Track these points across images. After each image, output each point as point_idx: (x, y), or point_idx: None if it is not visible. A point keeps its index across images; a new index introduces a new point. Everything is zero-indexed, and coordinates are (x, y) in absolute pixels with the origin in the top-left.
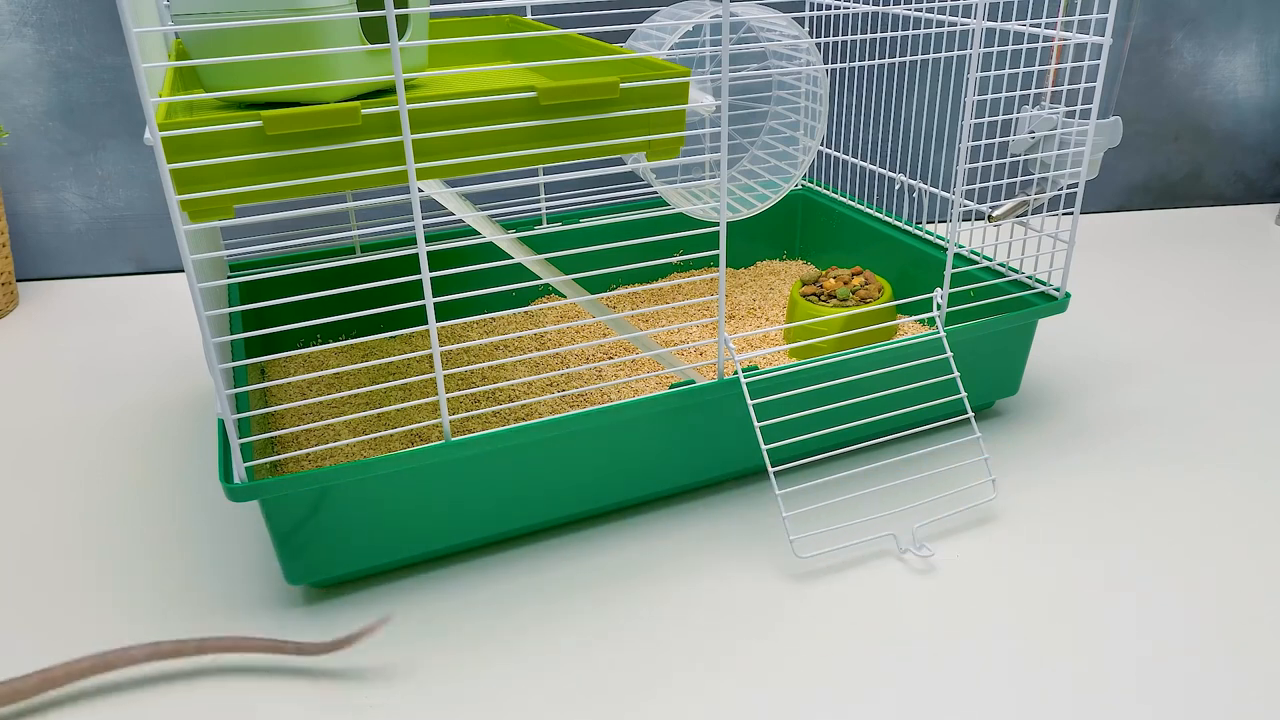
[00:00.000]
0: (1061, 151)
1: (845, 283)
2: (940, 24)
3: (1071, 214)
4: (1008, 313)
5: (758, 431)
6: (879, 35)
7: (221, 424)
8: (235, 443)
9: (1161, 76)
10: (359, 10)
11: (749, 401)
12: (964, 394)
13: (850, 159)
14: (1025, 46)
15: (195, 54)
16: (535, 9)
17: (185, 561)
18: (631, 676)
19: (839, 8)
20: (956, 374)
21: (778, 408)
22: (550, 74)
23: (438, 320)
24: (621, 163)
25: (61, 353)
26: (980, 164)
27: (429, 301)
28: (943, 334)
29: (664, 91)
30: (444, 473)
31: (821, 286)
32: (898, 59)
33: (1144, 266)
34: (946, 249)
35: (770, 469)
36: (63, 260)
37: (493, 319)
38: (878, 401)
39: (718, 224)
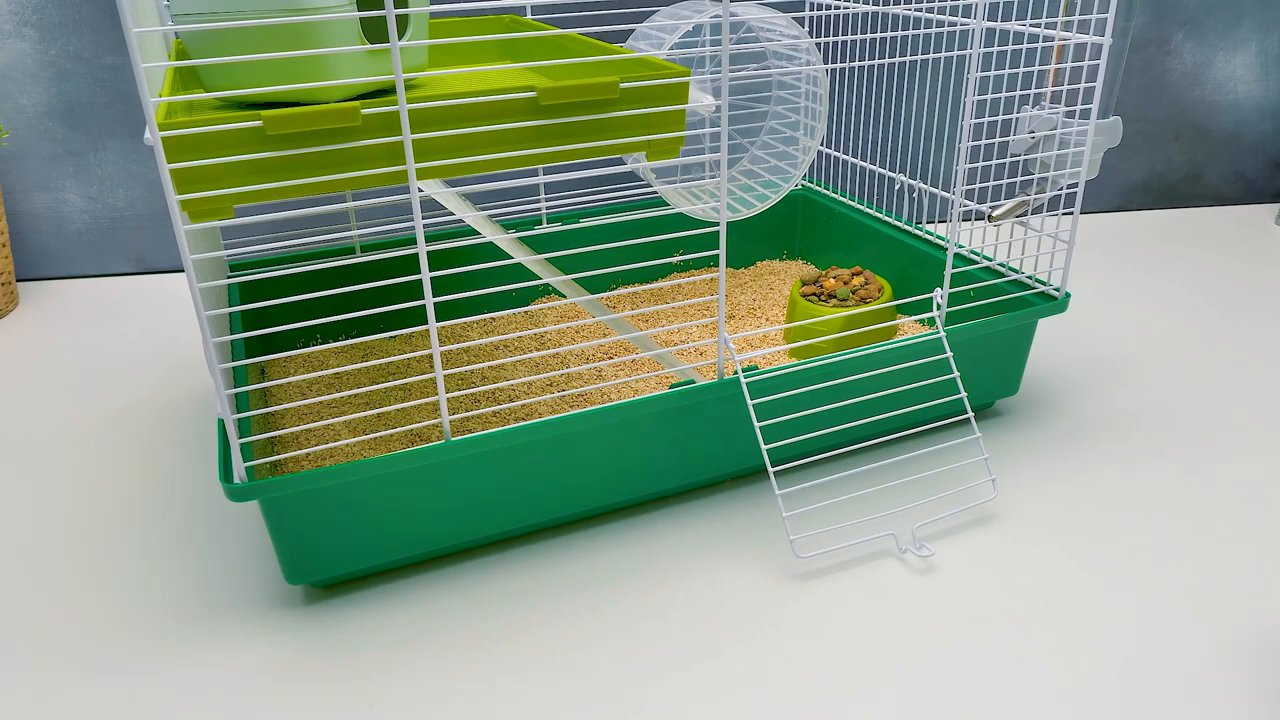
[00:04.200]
0: (1061, 151)
1: (845, 283)
2: (940, 24)
3: (1071, 214)
4: (1008, 313)
5: (758, 431)
6: (879, 35)
7: (221, 424)
8: (235, 443)
9: (1161, 76)
10: (359, 10)
11: (749, 401)
12: (964, 394)
13: (850, 159)
14: (1025, 46)
15: (195, 54)
16: (535, 9)
17: (185, 561)
18: (632, 675)
19: (839, 8)
20: (956, 374)
21: (778, 408)
22: (550, 74)
23: (438, 320)
24: (621, 163)
25: (61, 353)
26: (980, 164)
27: (429, 301)
28: (943, 334)
29: (664, 91)
30: (444, 473)
31: (821, 286)
32: (898, 59)
33: (1144, 266)
34: (946, 249)
35: (770, 469)
36: (63, 260)
37: (493, 319)
38: (878, 401)
39: (718, 224)
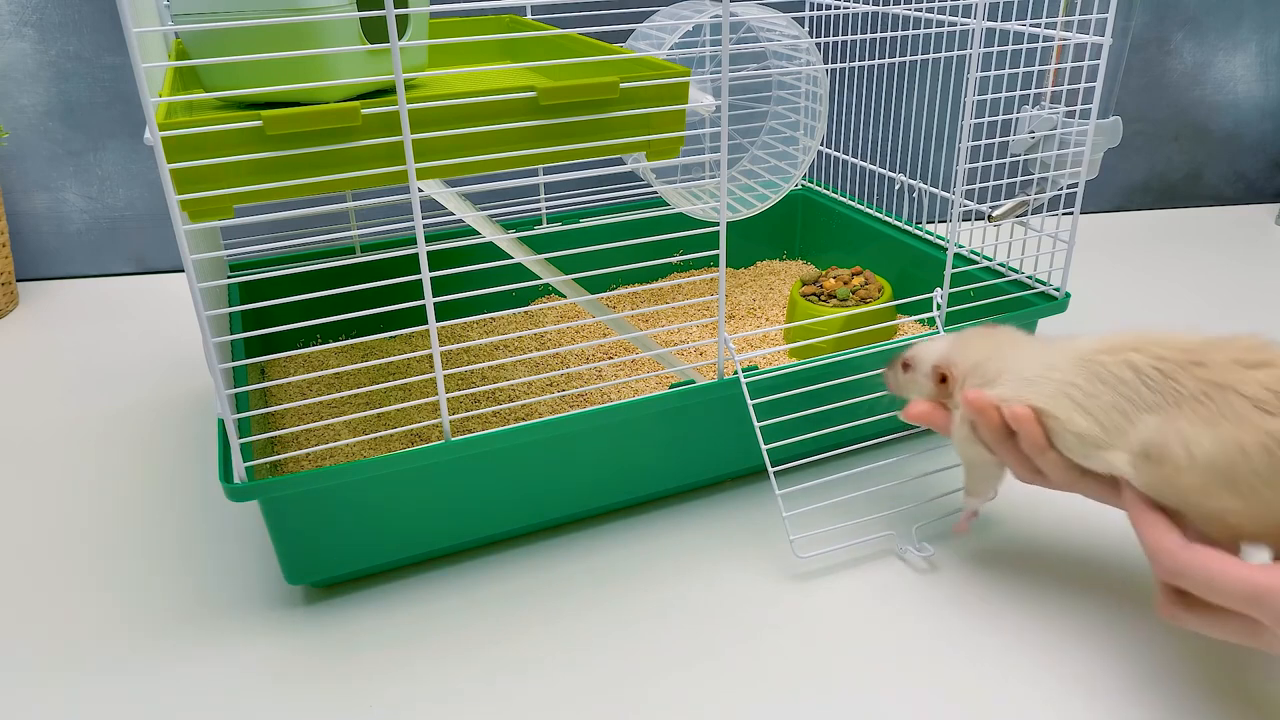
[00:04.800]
0: (1061, 151)
1: (845, 283)
2: (940, 24)
3: (1071, 214)
4: (1008, 313)
5: (757, 431)
6: (879, 35)
7: (221, 424)
8: (235, 443)
9: (1161, 76)
10: (359, 10)
11: (749, 401)
12: None
13: (850, 159)
14: (1025, 46)
15: (195, 54)
16: (535, 9)
17: (185, 561)
18: (631, 675)
19: (839, 8)
20: None
21: (778, 408)
22: (550, 74)
23: (438, 320)
24: (621, 163)
25: (61, 353)
26: (980, 164)
27: (429, 301)
28: (943, 334)
29: (664, 91)
30: (444, 473)
31: (821, 286)
32: (898, 59)
33: (1144, 266)
34: (946, 249)
35: (770, 469)
36: (63, 260)
37: (493, 319)
38: (877, 401)
39: (718, 224)
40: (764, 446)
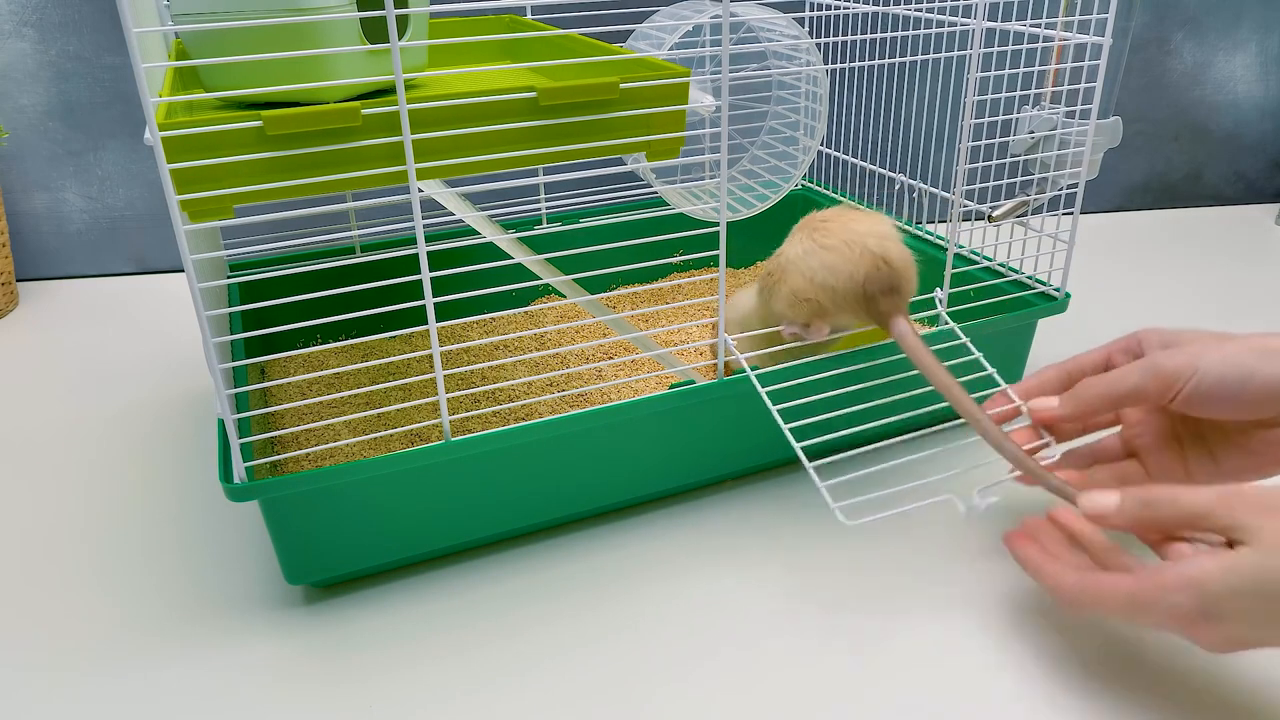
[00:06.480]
0: (1061, 151)
1: None
2: (940, 24)
3: (1071, 214)
4: (1008, 313)
5: (776, 416)
6: (879, 35)
7: (221, 424)
8: (235, 443)
9: (1161, 76)
10: (359, 10)
11: (760, 390)
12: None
13: (850, 159)
14: (1025, 46)
15: (195, 54)
16: (535, 9)
17: (185, 561)
18: (632, 676)
19: (839, 8)
20: (982, 363)
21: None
22: (550, 74)
23: (438, 320)
24: (621, 163)
25: (61, 353)
26: (980, 164)
27: (429, 301)
28: (954, 326)
29: (664, 92)
30: (444, 473)
31: None
32: (898, 59)
33: (1144, 266)
34: (946, 249)
35: (799, 451)
36: (63, 260)
37: (493, 319)
38: (877, 402)
39: (718, 224)
40: (784, 426)
